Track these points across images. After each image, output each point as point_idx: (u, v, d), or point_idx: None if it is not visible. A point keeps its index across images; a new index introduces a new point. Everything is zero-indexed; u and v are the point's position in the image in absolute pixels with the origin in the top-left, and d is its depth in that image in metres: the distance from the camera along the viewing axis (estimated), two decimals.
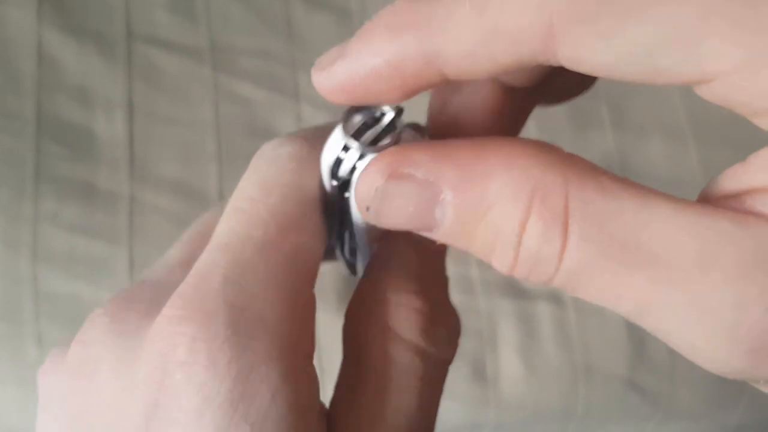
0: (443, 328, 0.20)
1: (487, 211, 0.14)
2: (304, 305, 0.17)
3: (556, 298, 0.52)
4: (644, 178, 0.53)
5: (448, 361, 0.20)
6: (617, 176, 0.14)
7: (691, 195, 0.15)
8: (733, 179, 0.14)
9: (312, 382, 0.17)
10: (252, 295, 0.16)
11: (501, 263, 0.15)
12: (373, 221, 0.16)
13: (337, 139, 0.17)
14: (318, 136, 0.18)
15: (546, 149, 0.14)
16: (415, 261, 0.20)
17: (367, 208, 0.16)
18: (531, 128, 0.55)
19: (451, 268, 0.52)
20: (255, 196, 0.17)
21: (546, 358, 0.50)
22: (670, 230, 0.13)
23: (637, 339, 0.52)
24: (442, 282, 0.22)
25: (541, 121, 0.55)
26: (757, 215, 0.13)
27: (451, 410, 0.48)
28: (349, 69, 0.15)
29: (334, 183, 0.18)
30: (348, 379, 0.18)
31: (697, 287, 0.13)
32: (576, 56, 0.13)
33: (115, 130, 0.49)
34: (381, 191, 0.15)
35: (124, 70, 0.51)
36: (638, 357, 0.52)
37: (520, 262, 0.14)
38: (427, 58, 0.14)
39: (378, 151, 0.16)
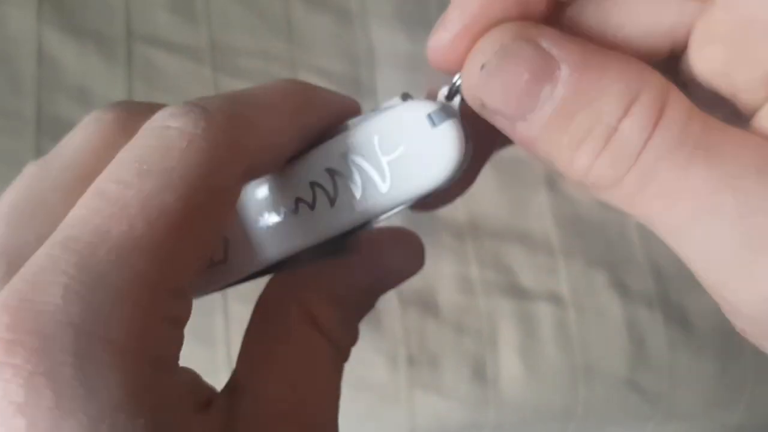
0: (354, 326, 0.20)
1: (597, 96, 0.14)
2: (172, 324, 0.14)
3: (556, 298, 0.52)
4: None
5: (348, 354, 0.20)
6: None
7: None
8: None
9: (184, 415, 0.14)
10: (102, 314, 0.13)
11: (586, 154, 0.14)
12: (478, 86, 0.15)
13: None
14: (226, 110, 0.15)
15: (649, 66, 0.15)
16: (354, 279, 0.19)
17: (482, 66, 0.15)
18: None
19: (451, 268, 0.52)
20: (127, 179, 0.14)
21: (546, 358, 0.50)
22: (740, 144, 0.13)
23: (637, 339, 0.52)
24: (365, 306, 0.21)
25: None
26: None
27: (451, 410, 0.48)
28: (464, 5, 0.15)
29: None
30: (259, 352, 0.17)
31: (754, 193, 0.13)
32: None
33: None
34: (504, 48, 0.15)
35: (124, 70, 0.51)
36: (638, 357, 0.52)
37: (608, 150, 0.14)
38: None
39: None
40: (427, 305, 0.50)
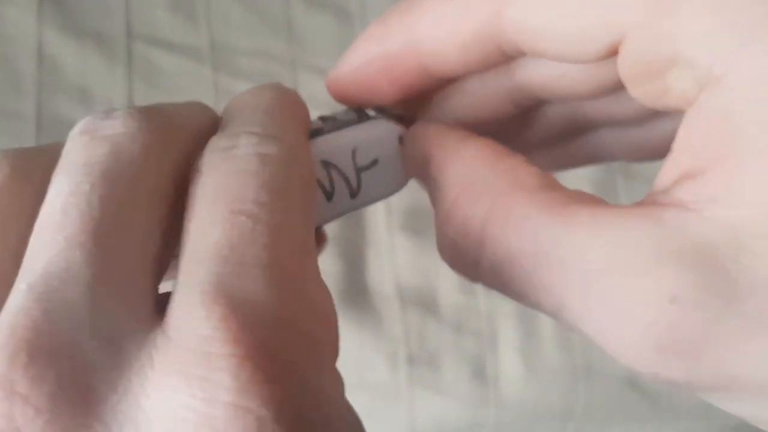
0: None
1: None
2: None
3: None
4: (645, 176, 0.53)
5: None
6: (547, 183, 0.15)
7: None
8: (665, 175, 0.14)
9: None
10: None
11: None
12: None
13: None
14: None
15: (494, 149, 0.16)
16: None
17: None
18: None
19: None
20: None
21: (546, 358, 0.50)
22: (580, 238, 0.13)
23: None
24: None
25: None
26: (675, 204, 0.13)
27: (451, 410, 0.48)
28: (347, 66, 0.17)
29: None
30: None
31: (605, 287, 0.13)
32: (519, 18, 0.15)
33: None
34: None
35: (124, 70, 0.51)
36: None
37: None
38: (408, 47, 0.16)
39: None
40: (427, 305, 0.50)
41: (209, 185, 0.15)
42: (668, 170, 0.14)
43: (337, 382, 0.15)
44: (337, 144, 0.19)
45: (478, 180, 0.15)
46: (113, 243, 0.13)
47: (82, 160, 0.14)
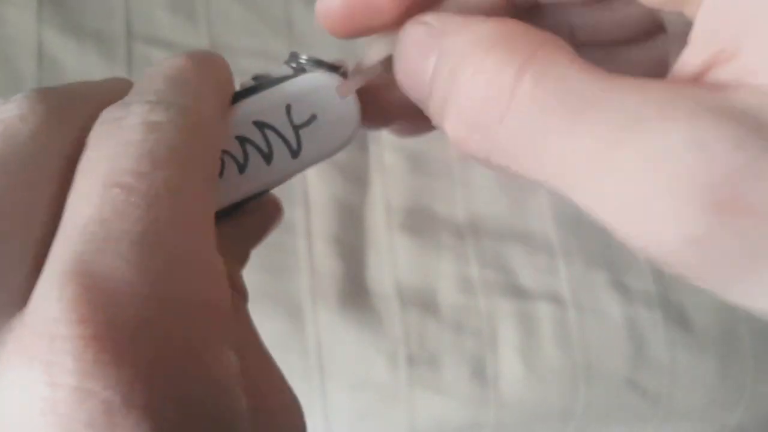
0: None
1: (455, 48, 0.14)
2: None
3: (556, 298, 0.52)
4: None
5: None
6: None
7: None
8: (688, 67, 0.13)
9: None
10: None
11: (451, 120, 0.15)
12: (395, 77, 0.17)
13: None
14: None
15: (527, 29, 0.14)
16: None
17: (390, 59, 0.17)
18: None
19: (451, 268, 0.52)
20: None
21: (546, 358, 0.50)
22: (633, 90, 0.12)
23: (637, 339, 0.52)
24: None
25: None
26: (716, 87, 0.12)
27: (451, 410, 0.48)
28: None
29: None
30: None
31: (651, 134, 0.11)
32: None
33: None
34: (403, 33, 0.16)
35: (124, 70, 0.50)
36: (638, 357, 0.52)
37: (468, 108, 0.14)
38: None
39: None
40: (427, 305, 0.50)
41: (90, 159, 0.14)
42: (689, 61, 0.13)
43: (226, 363, 0.13)
44: (269, 102, 0.18)
45: (513, 34, 0.13)
46: None
47: None
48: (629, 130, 0.11)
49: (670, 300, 0.53)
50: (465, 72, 0.14)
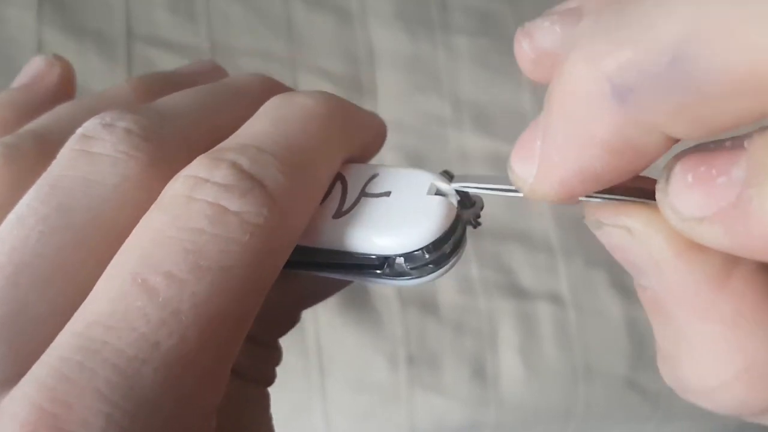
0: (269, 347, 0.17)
1: None
2: None
3: (556, 298, 0.52)
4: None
5: (271, 377, 0.18)
6: None
7: None
8: None
9: None
10: None
11: None
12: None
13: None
14: (287, 187, 0.13)
15: None
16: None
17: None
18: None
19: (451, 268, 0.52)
20: (179, 274, 0.11)
21: (546, 358, 0.50)
22: None
23: (637, 339, 0.52)
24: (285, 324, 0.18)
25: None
26: None
27: (451, 410, 0.48)
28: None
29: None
30: None
31: None
32: None
33: None
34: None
35: (124, 70, 0.51)
36: (638, 357, 0.52)
37: None
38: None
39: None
40: (427, 305, 0.50)
41: (137, 235, 0.12)
42: None
43: None
44: (364, 167, 0.15)
45: None
46: (28, 288, 0.12)
47: (51, 180, 0.13)
48: None
49: None
50: None
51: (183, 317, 0.11)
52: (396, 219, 0.14)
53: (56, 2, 0.51)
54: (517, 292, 0.51)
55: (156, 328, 0.11)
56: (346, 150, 0.15)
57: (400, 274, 0.15)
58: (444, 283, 0.50)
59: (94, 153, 0.13)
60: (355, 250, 0.14)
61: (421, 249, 0.14)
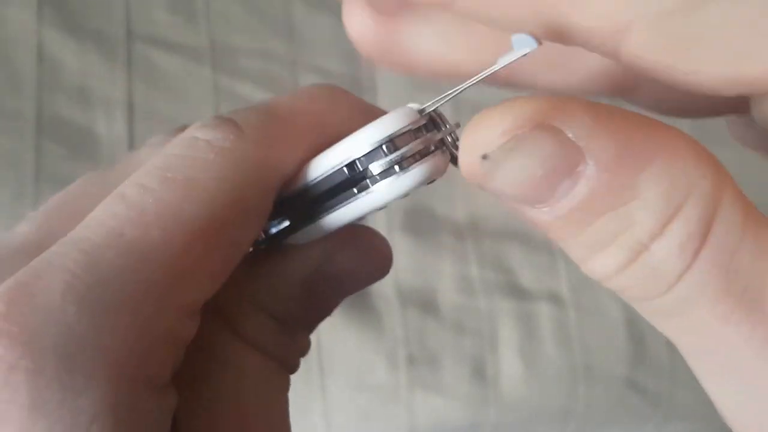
0: (298, 334, 0.18)
1: (627, 201, 0.11)
2: (173, 343, 0.14)
3: (556, 298, 0.52)
4: None
5: (295, 365, 0.18)
6: (759, 212, 0.12)
7: None
8: None
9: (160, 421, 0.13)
10: (98, 319, 0.12)
11: (607, 264, 0.12)
12: (479, 177, 0.12)
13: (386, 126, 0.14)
14: (257, 124, 0.15)
15: (706, 151, 0.12)
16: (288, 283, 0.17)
17: (484, 157, 0.12)
18: None
19: (451, 268, 0.52)
20: (148, 184, 0.13)
21: (546, 358, 0.50)
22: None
23: (637, 339, 0.52)
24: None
25: None
26: None
27: (451, 410, 0.48)
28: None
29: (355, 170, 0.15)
30: (190, 374, 0.15)
31: None
32: (648, 55, 0.12)
33: (115, 130, 0.49)
34: (516, 142, 0.11)
35: (124, 70, 0.50)
36: (638, 357, 0.52)
37: (634, 269, 0.12)
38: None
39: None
40: (427, 305, 0.50)
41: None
42: None
43: None
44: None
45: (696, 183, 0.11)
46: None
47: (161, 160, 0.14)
48: None
49: None
50: (640, 232, 0.11)
51: (147, 216, 0.13)
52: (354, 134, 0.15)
53: (56, 2, 0.51)
54: (517, 292, 0.51)
55: (121, 222, 0.13)
56: (329, 122, 0.16)
57: (373, 182, 0.15)
58: (444, 283, 0.50)
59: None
60: (323, 172, 0.15)
61: (379, 145, 0.14)
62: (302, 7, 0.55)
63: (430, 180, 0.15)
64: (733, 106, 0.14)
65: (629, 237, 0.11)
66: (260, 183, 0.14)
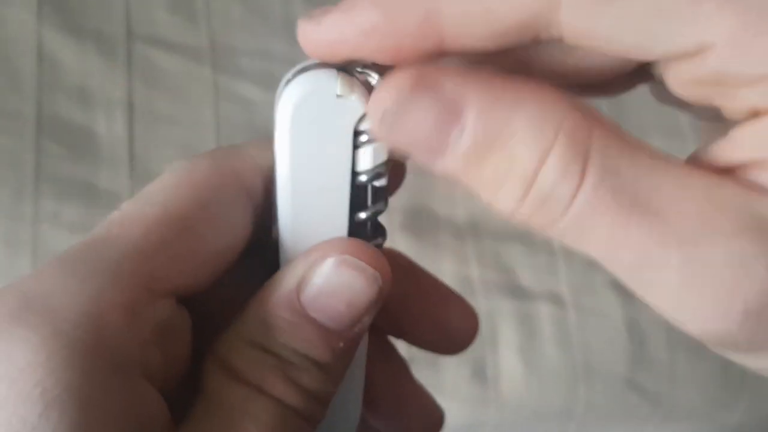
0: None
1: (507, 140, 0.13)
2: (151, 328, 0.15)
3: (556, 298, 0.52)
4: None
5: (316, 419, 0.17)
6: (636, 138, 0.14)
7: None
8: (722, 155, 0.14)
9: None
10: (60, 289, 0.14)
11: (508, 198, 0.14)
12: (385, 136, 0.14)
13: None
14: (230, 156, 0.17)
15: (574, 97, 0.14)
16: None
17: (381, 118, 0.14)
18: None
19: (451, 268, 0.52)
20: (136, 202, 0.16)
21: (546, 358, 0.50)
22: (679, 191, 0.13)
23: (637, 339, 0.52)
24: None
25: None
26: (754, 187, 0.13)
27: (451, 410, 0.48)
28: (344, 21, 0.14)
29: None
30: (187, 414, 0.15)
31: (697, 245, 0.13)
32: (575, 22, 0.13)
33: (115, 130, 0.49)
34: (402, 99, 0.14)
35: (124, 70, 0.51)
36: (638, 357, 0.52)
37: (530, 199, 0.13)
38: (427, 13, 0.14)
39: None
40: None
41: None
42: (728, 154, 0.14)
43: None
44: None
45: (567, 120, 0.13)
46: None
47: None
48: (675, 237, 0.13)
49: None
50: (524, 164, 0.13)
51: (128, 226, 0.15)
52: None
53: (56, 2, 0.51)
54: (517, 292, 0.51)
55: (108, 228, 0.15)
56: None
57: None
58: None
59: None
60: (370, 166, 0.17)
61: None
62: (302, 7, 0.55)
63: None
64: (642, 76, 0.16)
65: (516, 171, 0.13)
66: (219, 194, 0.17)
